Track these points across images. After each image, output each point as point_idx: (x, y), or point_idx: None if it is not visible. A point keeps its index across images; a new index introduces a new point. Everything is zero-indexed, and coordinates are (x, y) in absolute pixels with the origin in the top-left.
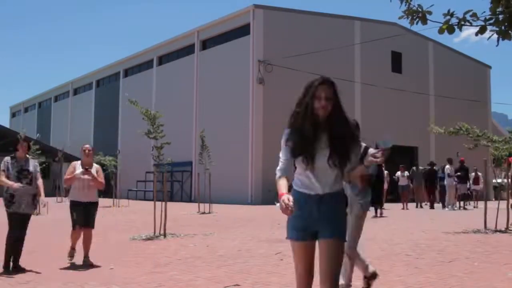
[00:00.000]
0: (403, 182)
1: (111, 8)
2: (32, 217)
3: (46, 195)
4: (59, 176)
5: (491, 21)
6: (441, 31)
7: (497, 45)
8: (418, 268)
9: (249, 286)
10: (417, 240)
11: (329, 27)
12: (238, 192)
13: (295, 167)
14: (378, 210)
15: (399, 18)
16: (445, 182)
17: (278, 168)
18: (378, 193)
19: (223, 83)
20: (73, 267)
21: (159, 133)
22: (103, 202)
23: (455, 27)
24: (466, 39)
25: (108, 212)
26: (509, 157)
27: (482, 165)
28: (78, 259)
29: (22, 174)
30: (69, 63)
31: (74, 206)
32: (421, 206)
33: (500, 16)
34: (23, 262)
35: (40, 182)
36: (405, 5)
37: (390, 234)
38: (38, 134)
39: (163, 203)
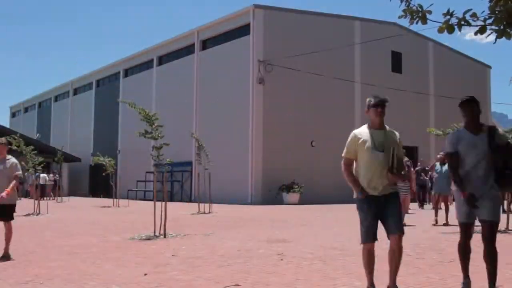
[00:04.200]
0: None
1: (112, 8)
2: (33, 217)
3: (45, 195)
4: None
5: (490, 21)
6: (440, 30)
7: (494, 43)
8: (418, 268)
9: (249, 286)
10: (417, 240)
11: (329, 27)
12: (238, 192)
13: None
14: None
15: (399, 17)
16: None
17: None
18: None
19: (223, 83)
20: (72, 267)
21: (158, 133)
22: (103, 202)
23: (455, 26)
24: (469, 37)
25: (108, 212)
26: None
27: None
28: (84, 258)
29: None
30: (69, 63)
31: None
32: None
33: (499, 15)
34: (21, 262)
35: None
36: (405, 4)
37: None
38: (38, 134)
39: (163, 203)
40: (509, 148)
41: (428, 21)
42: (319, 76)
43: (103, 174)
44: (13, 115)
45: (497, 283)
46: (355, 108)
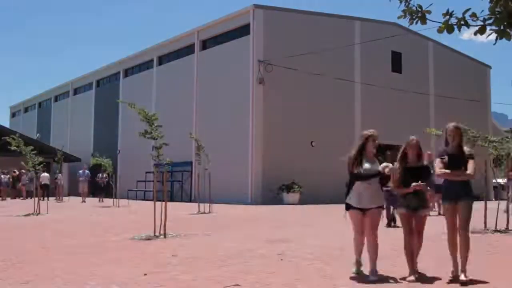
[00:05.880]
0: None
1: (112, 8)
2: (33, 217)
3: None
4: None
5: (490, 21)
6: (440, 30)
7: (494, 44)
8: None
9: (249, 286)
10: None
11: (329, 27)
12: (238, 192)
13: None
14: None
15: (398, 17)
16: None
17: None
18: None
19: (223, 83)
20: (72, 267)
21: (157, 133)
22: (103, 202)
23: (455, 26)
24: (467, 37)
25: (108, 212)
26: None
27: (482, 165)
28: (84, 258)
29: None
30: (69, 63)
31: None
32: None
33: (499, 16)
34: (21, 262)
35: None
36: (404, 4)
37: (390, 233)
38: (38, 134)
39: (163, 203)
40: None
41: (427, 21)
42: (319, 76)
43: (103, 174)
44: (13, 115)
45: (496, 283)
46: (355, 108)
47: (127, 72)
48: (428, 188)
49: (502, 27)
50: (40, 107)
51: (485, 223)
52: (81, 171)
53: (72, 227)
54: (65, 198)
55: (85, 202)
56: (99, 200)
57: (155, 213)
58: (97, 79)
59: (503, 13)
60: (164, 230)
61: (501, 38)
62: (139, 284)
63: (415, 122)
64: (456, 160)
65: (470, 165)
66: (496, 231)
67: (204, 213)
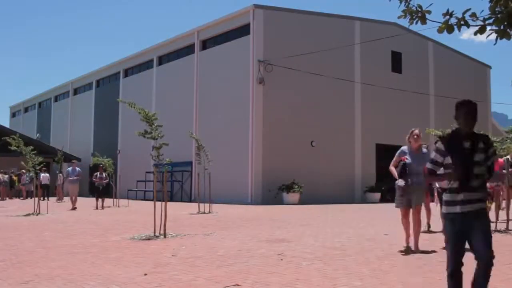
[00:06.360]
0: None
1: (111, 8)
2: (33, 217)
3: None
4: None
5: (490, 21)
6: (440, 30)
7: (495, 44)
8: (418, 268)
9: (249, 286)
10: None
11: (329, 27)
12: (238, 192)
13: None
14: None
15: (399, 17)
16: None
17: None
18: None
19: (223, 83)
20: (72, 267)
21: (157, 133)
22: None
23: (454, 26)
24: (466, 37)
25: (108, 212)
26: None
27: None
28: (84, 258)
29: None
30: (69, 63)
31: None
32: None
33: (499, 16)
34: (21, 262)
35: None
36: (404, 4)
37: (390, 234)
38: (38, 134)
39: (163, 203)
40: None
41: (427, 21)
42: (319, 76)
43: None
44: (13, 115)
45: (496, 283)
46: (355, 108)
47: (127, 72)
48: None
49: (502, 27)
50: (40, 107)
51: None
52: (70, 169)
53: (72, 227)
54: (66, 198)
55: (75, 209)
56: (96, 207)
57: (155, 213)
58: (97, 79)
59: (504, 13)
60: (164, 230)
61: (501, 38)
62: (139, 284)
63: (415, 122)
64: None
65: None
66: (496, 231)
67: (204, 213)
